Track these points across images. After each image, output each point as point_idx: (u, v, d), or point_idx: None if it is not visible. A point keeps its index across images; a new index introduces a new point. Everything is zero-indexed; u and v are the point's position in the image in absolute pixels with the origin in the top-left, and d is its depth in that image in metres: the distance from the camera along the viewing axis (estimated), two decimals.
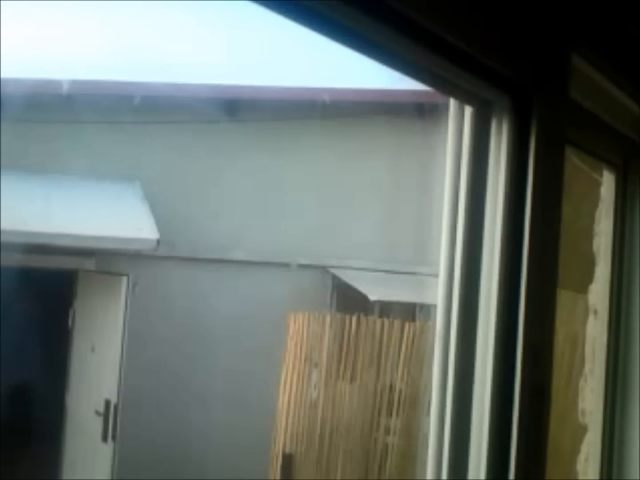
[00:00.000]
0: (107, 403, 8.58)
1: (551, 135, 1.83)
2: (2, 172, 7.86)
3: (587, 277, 2.66)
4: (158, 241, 8.79)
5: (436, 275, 1.84)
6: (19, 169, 8.72)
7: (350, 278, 9.93)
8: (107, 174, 9.54)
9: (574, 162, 2.36)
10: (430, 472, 1.78)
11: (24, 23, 9.58)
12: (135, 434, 9.02)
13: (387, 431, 8.38)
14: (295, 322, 8.74)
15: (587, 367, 2.64)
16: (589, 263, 2.64)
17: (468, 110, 1.80)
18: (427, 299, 8.40)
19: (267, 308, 9.76)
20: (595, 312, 2.63)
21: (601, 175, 2.62)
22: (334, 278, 10.33)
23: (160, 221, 9.02)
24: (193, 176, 10.17)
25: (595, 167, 2.61)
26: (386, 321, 8.56)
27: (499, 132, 1.76)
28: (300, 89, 10.19)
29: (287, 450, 8.52)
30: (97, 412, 8.69)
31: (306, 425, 8.52)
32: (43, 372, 9.32)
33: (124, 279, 8.74)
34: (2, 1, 6.70)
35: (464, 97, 1.78)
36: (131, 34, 10.75)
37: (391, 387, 8.39)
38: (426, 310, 8.90)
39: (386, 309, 9.35)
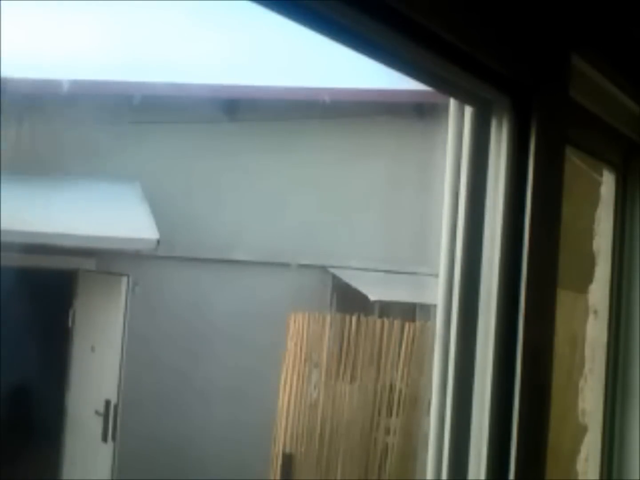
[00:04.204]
0: (107, 403, 8.59)
1: (551, 135, 1.83)
2: (2, 172, 7.86)
3: (587, 277, 2.66)
4: (158, 241, 8.78)
5: (436, 275, 1.84)
6: (19, 169, 8.72)
7: (350, 278, 9.93)
8: (107, 173, 9.53)
9: (574, 162, 2.36)
10: (430, 472, 1.78)
11: (24, 23, 9.58)
12: (135, 434, 9.02)
13: (387, 431, 8.37)
14: (295, 322, 8.74)
15: (587, 367, 2.64)
16: (589, 263, 2.64)
17: (468, 110, 1.80)
18: (427, 299, 8.40)
19: (267, 308, 9.75)
20: (595, 312, 2.63)
21: (601, 175, 2.62)
22: (334, 278, 10.33)
23: (160, 221, 9.01)
24: (193, 176, 10.17)
25: (595, 167, 2.61)
26: (386, 321, 8.56)
27: (499, 132, 1.76)
28: (300, 89, 10.19)
29: (287, 450, 8.52)
30: (97, 412, 8.69)
31: (306, 425, 8.52)
32: (43, 372, 9.31)
33: (124, 279, 8.74)
34: (2, 1, 6.69)
35: (464, 97, 1.78)
36: (131, 34, 10.75)
37: (391, 387, 8.39)
38: (426, 310, 8.89)
39: (386, 309, 9.35)
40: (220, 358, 9.83)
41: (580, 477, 2.63)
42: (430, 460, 1.78)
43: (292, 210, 10.41)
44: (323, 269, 10.42)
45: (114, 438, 8.54)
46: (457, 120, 1.82)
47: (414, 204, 9.23)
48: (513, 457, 1.72)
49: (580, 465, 2.63)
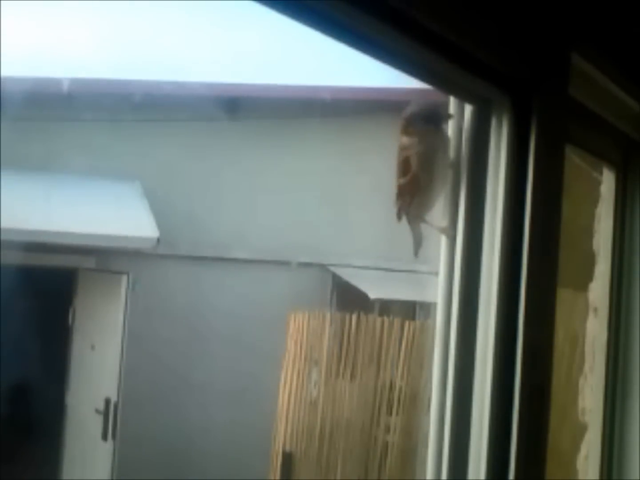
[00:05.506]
0: (107, 401, 8.59)
1: (551, 134, 1.82)
2: (2, 171, 7.86)
3: (587, 275, 2.65)
4: (158, 239, 8.79)
5: (436, 274, 1.84)
6: (19, 167, 8.72)
7: (350, 276, 9.93)
8: (107, 172, 9.53)
9: (574, 160, 2.36)
10: (430, 471, 1.78)
11: (24, 21, 9.57)
12: (135, 433, 9.03)
13: (387, 429, 8.38)
14: (295, 320, 8.74)
15: (587, 365, 2.64)
16: (589, 261, 2.64)
17: (468, 109, 1.80)
18: (427, 298, 8.40)
19: (268, 306, 9.76)
20: (595, 310, 2.63)
21: (601, 173, 2.62)
22: (334, 276, 10.33)
23: (160, 219, 9.02)
24: (193, 174, 10.17)
25: (595, 165, 2.61)
26: (386, 319, 8.56)
27: (499, 130, 1.75)
28: (300, 87, 10.19)
29: (287, 449, 8.53)
30: (97, 411, 8.69)
31: (306, 423, 8.52)
32: (43, 371, 9.31)
33: (124, 277, 8.74)
34: (2, 0, 6.69)
35: (464, 95, 1.78)
36: (132, 32, 10.75)
37: (391, 386, 8.40)
38: (426, 308, 8.90)
39: (386, 307, 9.36)
40: (220, 356, 9.83)
41: (580, 476, 2.63)
42: (430, 460, 1.78)
43: (292, 209, 10.41)
44: (323, 267, 10.43)
45: (114, 436, 8.54)
46: (457, 118, 1.82)
47: None
48: (513, 456, 1.72)
49: (580, 464, 2.63)
